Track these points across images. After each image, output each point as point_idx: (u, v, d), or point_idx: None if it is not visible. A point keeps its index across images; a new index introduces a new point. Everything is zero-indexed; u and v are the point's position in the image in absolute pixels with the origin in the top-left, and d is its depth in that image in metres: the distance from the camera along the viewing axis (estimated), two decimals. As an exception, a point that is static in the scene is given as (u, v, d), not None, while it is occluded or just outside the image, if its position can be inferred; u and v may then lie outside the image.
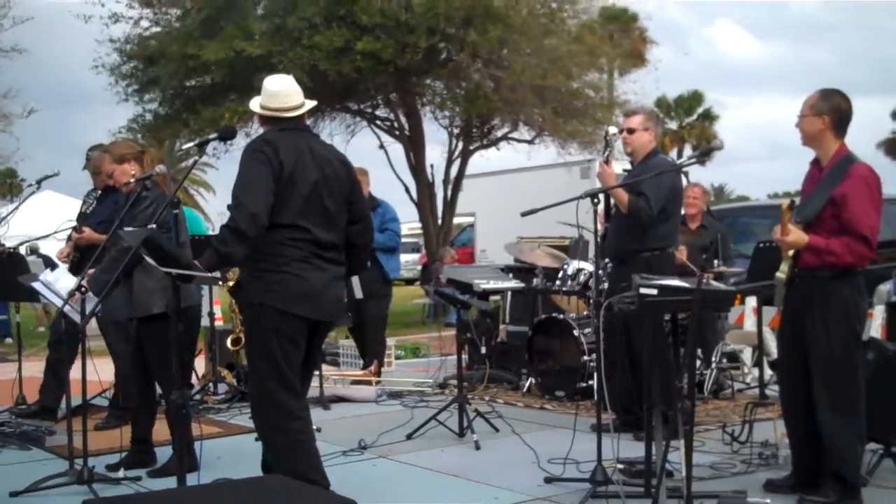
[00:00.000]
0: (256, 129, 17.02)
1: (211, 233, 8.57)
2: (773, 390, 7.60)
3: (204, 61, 15.59)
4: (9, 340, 7.27)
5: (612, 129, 6.35)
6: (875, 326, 8.07)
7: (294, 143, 4.54)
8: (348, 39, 15.08)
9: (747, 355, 8.86)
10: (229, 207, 4.45)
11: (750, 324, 9.06)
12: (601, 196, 5.26)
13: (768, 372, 8.03)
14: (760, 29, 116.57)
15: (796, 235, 4.71)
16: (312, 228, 4.52)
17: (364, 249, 5.01)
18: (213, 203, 46.95)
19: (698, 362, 7.57)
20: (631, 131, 6.37)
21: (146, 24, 17.37)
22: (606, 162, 6.24)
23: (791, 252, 4.81)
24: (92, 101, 70.98)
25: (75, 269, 6.74)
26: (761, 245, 7.69)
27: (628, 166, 7.27)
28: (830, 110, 4.80)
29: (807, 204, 4.90)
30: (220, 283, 4.72)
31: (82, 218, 7.05)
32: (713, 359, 7.89)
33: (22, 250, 7.87)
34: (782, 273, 4.87)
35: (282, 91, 4.65)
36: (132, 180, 5.48)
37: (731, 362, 8.37)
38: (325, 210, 4.57)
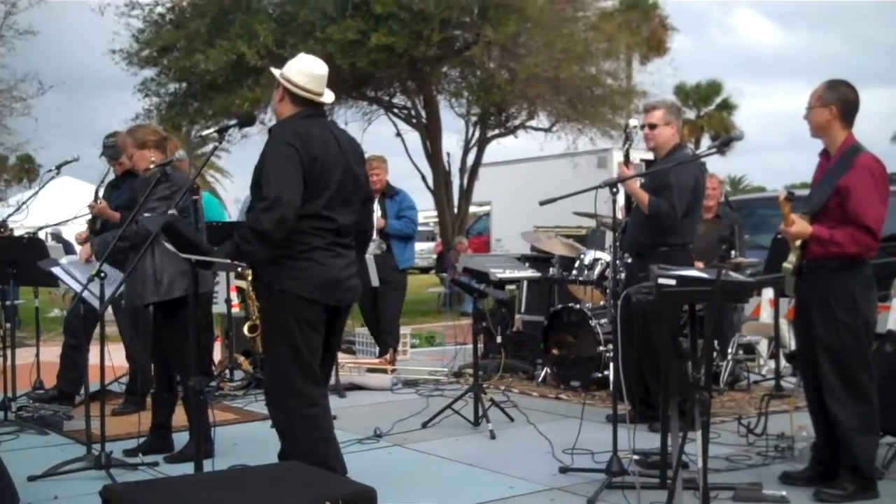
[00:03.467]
0: (270, 117, 17.14)
1: (228, 219, 8.58)
2: (788, 382, 7.62)
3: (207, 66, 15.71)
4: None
5: (633, 122, 6.30)
6: (893, 319, 8.01)
7: (321, 133, 4.50)
8: (363, 31, 15.05)
9: (763, 347, 8.83)
10: (255, 207, 4.35)
11: (766, 315, 9.02)
12: (619, 186, 5.23)
13: (784, 363, 8.02)
14: (781, 16, 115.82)
15: (800, 226, 4.73)
16: (336, 217, 4.52)
17: (367, 233, 5.03)
18: (230, 189, 46.98)
19: (714, 354, 7.55)
20: (652, 126, 6.28)
21: (161, 10, 17.44)
22: (626, 160, 6.21)
23: (799, 243, 4.82)
24: (106, 86, 71.05)
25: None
26: (779, 236, 7.64)
27: (646, 156, 7.23)
28: (837, 100, 4.82)
29: (814, 194, 4.91)
30: (240, 270, 4.71)
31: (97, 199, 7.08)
32: (729, 350, 7.86)
33: (42, 235, 7.91)
34: (789, 263, 4.90)
35: (323, 76, 4.59)
36: (152, 166, 5.50)
37: (746, 354, 8.34)
38: (346, 199, 4.58)
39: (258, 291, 5.36)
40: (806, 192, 5.19)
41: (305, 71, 4.56)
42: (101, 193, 6.93)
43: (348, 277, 4.63)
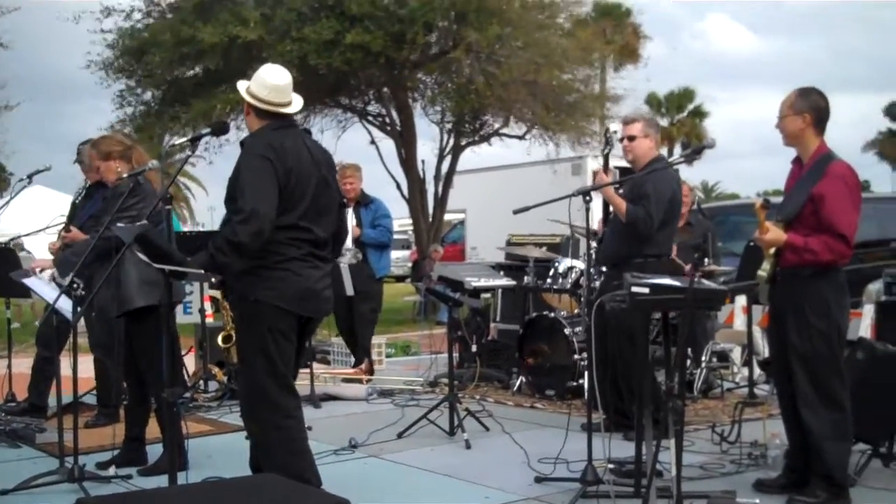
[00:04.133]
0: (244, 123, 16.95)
1: (186, 229, 8.48)
2: (762, 389, 7.66)
3: (198, 47, 15.56)
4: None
5: (613, 127, 6.32)
6: (864, 326, 8.11)
7: (294, 145, 4.50)
8: (338, 31, 15.07)
9: (737, 354, 8.89)
10: (231, 220, 4.34)
11: (740, 323, 9.10)
12: (593, 195, 5.24)
13: (757, 371, 8.07)
14: (755, 22, 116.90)
15: (774, 234, 4.76)
16: (313, 227, 4.52)
17: (339, 243, 4.99)
18: (201, 199, 46.76)
19: (688, 361, 7.58)
20: (631, 139, 6.29)
21: (138, 16, 17.34)
22: (605, 165, 6.23)
23: (773, 251, 4.85)
24: (81, 94, 70.68)
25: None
26: (752, 244, 7.70)
27: (619, 163, 7.26)
28: (810, 108, 4.85)
29: (787, 202, 4.94)
30: (213, 281, 4.69)
31: (74, 210, 7.04)
32: (703, 358, 7.90)
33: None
34: (763, 271, 4.93)
35: (286, 86, 4.59)
36: (124, 175, 5.48)
37: (720, 361, 8.39)
38: (320, 209, 4.57)
39: (232, 302, 5.34)
40: (779, 199, 5.23)
41: (266, 83, 4.57)
42: (75, 198, 6.89)
43: (324, 289, 4.63)
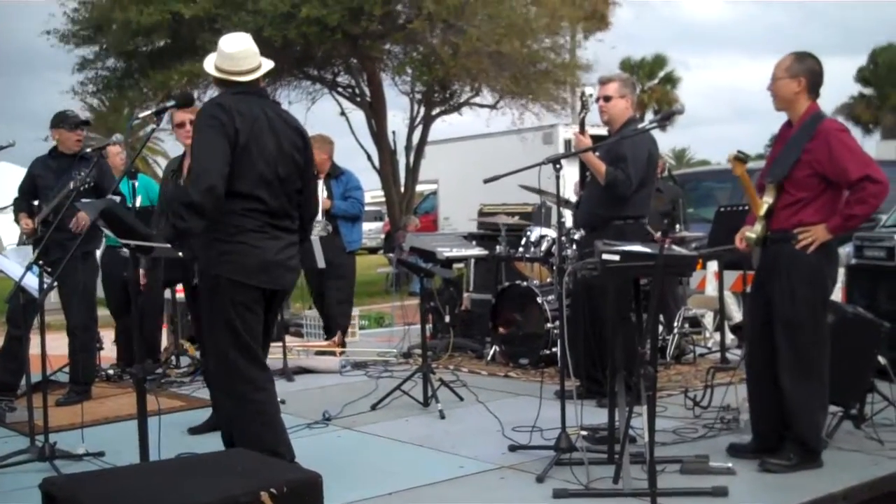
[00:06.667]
0: (210, 94, 16.87)
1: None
2: (734, 354, 7.71)
3: (143, 26, 15.43)
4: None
5: (589, 90, 6.25)
6: (835, 289, 8.13)
7: (249, 108, 4.44)
8: (294, 4, 14.92)
9: (709, 320, 8.93)
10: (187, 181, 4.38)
11: (711, 288, 9.13)
12: (563, 162, 5.21)
13: (729, 336, 8.12)
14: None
15: (818, 232, 4.66)
16: (267, 198, 4.45)
17: (309, 219, 4.96)
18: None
19: (660, 328, 7.60)
20: (607, 99, 6.22)
21: None
22: (582, 128, 6.19)
23: (763, 212, 4.79)
24: (40, 67, 69.21)
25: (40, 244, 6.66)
26: (722, 209, 7.73)
27: (594, 131, 7.22)
28: (805, 72, 4.80)
29: (777, 164, 4.87)
30: (180, 255, 4.64)
31: (33, 181, 6.95)
32: (675, 324, 7.93)
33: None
34: (753, 233, 4.84)
35: (237, 53, 4.54)
36: (89, 149, 5.41)
37: (692, 327, 8.42)
38: (279, 179, 4.50)
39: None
40: (761, 164, 5.16)
41: (219, 52, 4.56)
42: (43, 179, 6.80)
43: (286, 259, 4.58)
